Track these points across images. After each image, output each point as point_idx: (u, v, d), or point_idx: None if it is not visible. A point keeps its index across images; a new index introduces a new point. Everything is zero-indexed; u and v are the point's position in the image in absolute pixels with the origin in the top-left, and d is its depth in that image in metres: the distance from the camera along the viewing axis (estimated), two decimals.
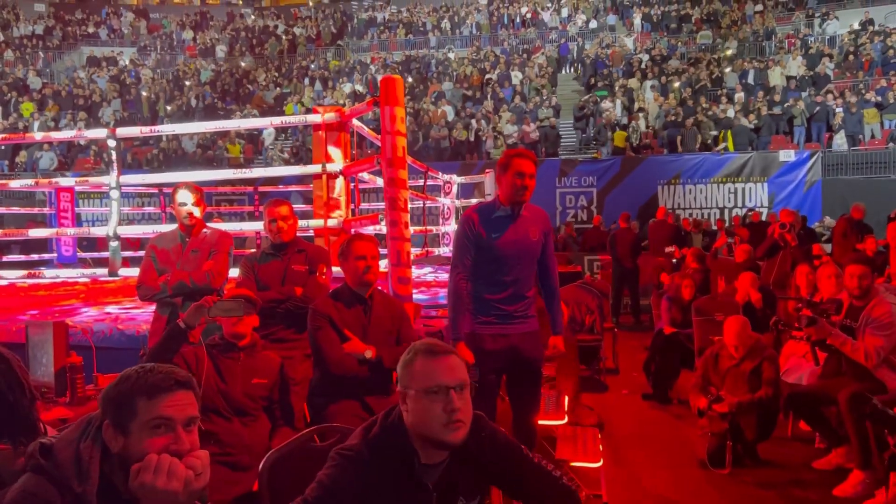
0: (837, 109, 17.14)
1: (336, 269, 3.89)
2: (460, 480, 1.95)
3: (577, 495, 2.04)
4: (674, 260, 10.51)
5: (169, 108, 22.94)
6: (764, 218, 13.56)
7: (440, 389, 1.86)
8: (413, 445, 1.89)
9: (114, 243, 6.06)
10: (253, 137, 20.24)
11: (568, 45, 24.63)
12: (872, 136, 16.84)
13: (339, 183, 5.45)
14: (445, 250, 9.73)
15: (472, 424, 1.97)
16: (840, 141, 16.54)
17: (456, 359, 1.94)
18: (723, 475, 4.51)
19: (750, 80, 19.68)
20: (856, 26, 22.24)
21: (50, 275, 7.17)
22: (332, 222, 5.30)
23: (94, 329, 4.37)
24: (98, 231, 6.49)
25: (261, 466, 2.31)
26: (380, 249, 3.49)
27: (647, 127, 17.98)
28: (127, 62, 27.44)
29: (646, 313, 10.82)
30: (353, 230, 5.04)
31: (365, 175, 6.60)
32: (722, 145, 17.00)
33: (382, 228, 4.77)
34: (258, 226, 6.22)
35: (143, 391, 1.54)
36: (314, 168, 5.47)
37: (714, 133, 17.38)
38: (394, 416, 1.95)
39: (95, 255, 10.83)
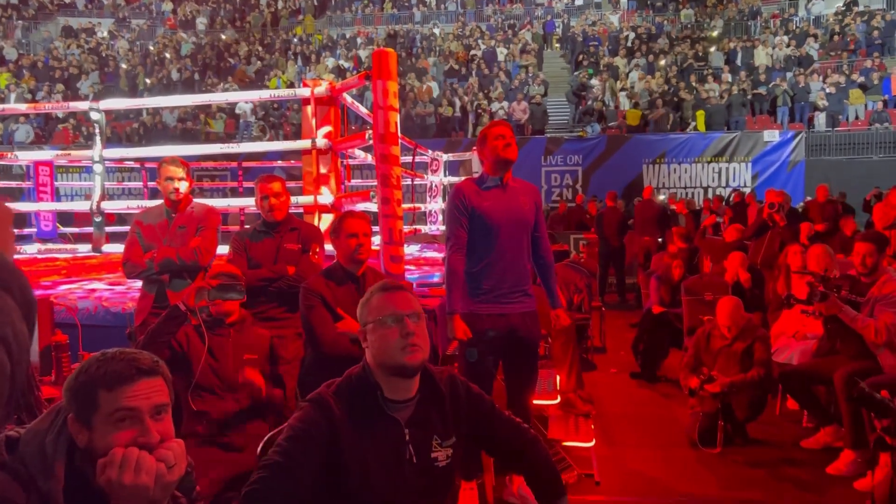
0: (825, 89, 17.19)
1: (328, 248, 3.82)
2: (432, 418, 1.96)
3: (542, 442, 2.10)
4: (659, 239, 10.52)
5: (148, 81, 22.52)
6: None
7: (396, 317, 1.91)
8: (376, 381, 1.91)
9: (97, 218, 5.94)
10: (234, 113, 19.94)
11: (554, 23, 24.44)
12: (857, 117, 16.92)
13: (329, 159, 5.34)
14: (433, 228, 9.66)
15: (447, 378, 2.03)
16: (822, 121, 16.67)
17: (410, 295, 2.00)
18: (714, 454, 4.53)
19: (738, 61, 19.66)
20: (840, 7, 22.27)
21: (31, 250, 7.02)
22: (321, 199, 5.21)
23: (79, 306, 4.27)
24: (81, 206, 6.35)
25: (259, 449, 2.26)
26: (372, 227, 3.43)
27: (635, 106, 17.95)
28: (105, 34, 26.86)
29: (631, 292, 10.85)
30: (344, 207, 4.95)
31: (360, 153, 6.49)
32: (691, 124, 17.05)
33: (372, 206, 4.69)
34: (243, 202, 6.10)
35: (103, 382, 1.42)
36: (304, 143, 5.35)
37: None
38: (357, 368, 1.98)
39: (75, 230, 10.63)
